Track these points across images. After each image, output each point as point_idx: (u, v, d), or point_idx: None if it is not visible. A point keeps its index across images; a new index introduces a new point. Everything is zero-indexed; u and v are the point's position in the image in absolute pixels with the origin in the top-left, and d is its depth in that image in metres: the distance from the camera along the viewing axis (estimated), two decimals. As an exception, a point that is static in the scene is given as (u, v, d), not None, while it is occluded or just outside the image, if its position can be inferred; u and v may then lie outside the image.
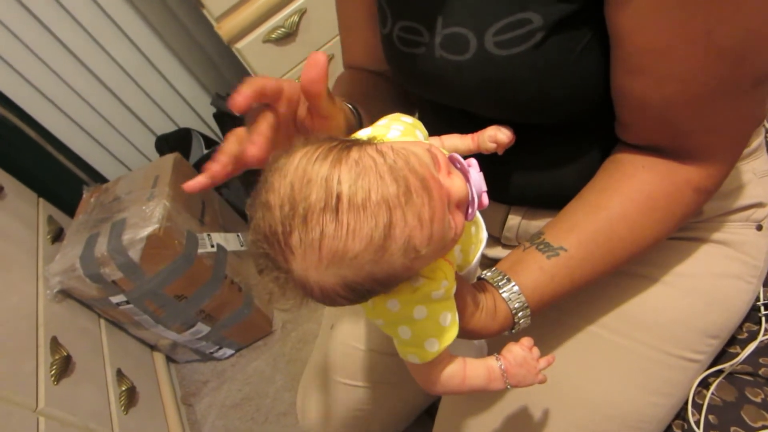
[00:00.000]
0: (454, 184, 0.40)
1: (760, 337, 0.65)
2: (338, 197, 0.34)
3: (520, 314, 0.51)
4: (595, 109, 0.52)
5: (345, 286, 0.37)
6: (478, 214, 0.52)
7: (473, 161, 0.43)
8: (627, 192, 0.51)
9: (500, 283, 0.51)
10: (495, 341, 0.54)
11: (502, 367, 0.47)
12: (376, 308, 0.43)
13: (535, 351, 0.48)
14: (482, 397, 0.63)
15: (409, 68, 0.58)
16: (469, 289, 0.49)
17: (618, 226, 0.51)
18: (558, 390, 0.59)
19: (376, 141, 0.40)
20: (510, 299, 0.51)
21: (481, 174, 0.42)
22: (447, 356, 0.46)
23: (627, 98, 0.49)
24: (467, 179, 0.41)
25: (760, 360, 0.65)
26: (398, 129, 0.48)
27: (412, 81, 0.60)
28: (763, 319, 0.67)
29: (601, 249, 0.51)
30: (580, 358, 0.59)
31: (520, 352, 0.47)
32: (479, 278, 0.54)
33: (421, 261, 0.38)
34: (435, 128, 0.54)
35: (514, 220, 0.65)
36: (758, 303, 0.67)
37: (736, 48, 0.42)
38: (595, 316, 0.60)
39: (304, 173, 0.36)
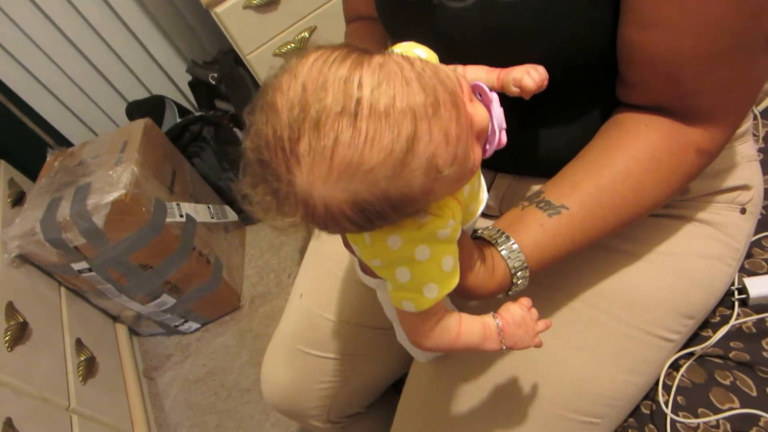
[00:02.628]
0: (477, 111, 0.37)
1: (732, 321, 0.65)
2: (358, 102, 0.31)
3: (518, 274, 0.48)
4: (596, 68, 0.50)
5: (354, 204, 0.33)
6: (480, 172, 0.49)
7: (495, 95, 0.40)
8: (630, 151, 0.49)
9: (498, 240, 0.49)
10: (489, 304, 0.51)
11: (500, 325, 0.44)
12: (375, 246, 0.40)
13: (534, 312, 0.46)
14: (451, 372, 0.61)
15: (403, 18, 0.55)
16: (470, 241, 0.46)
17: (621, 186, 0.49)
18: (532, 364, 0.58)
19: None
20: (509, 257, 0.48)
21: (502, 109, 0.39)
22: (443, 307, 0.43)
23: (636, 54, 0.47)
24: (489, 111, 0.38)
25: (731, 344, 0.65)
26: None
27: (406, 33, 0.56)
28: (736, 303, 0.67)
29: (604, 208, 0.49)
30: (556, 332, 0.57)
31: (519, 311, 0.45)
32: (474, 237, 0.51)
33: (440, 185, 0.34)
34: None
35: (500, 187, 0.63)
36: (732, 288, 0.67)
37: (754, 0, 0.41)
38: (574, 291, 0.59)
39: (320, 74, 0.32)
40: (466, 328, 0.44)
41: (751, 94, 0.49)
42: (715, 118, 0.48)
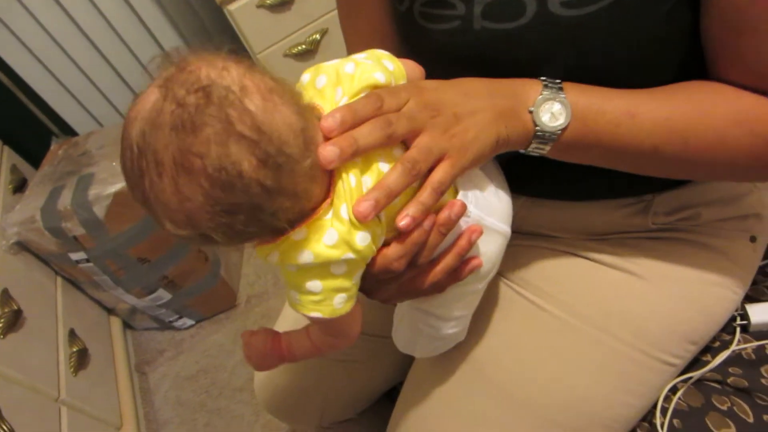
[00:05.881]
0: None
1: (733, 347, 0.65)
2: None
3: (549, 90, 0.45)
4: (636, 83, 0.47)
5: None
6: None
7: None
8: (718, 96, 0.46)
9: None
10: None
11: None
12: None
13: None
14: (448, 382, 0.61)
15: (436, 47, 0.51)
16: None
17: (696, 114, 0.45)
18: (531, 379, 0.57)
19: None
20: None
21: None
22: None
23: (728, 53, 0.45)
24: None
25: (730, 369, 0.64)
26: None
27: (438, 61, 0.51)
28: (738, 329, 0.66)
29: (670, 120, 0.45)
30: (557, 349, 0.57)
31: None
32: None
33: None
34: None
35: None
36: (735, 313, 0.66)
37: None
38: (579, 309, 0.58)
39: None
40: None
41: None
42: None
